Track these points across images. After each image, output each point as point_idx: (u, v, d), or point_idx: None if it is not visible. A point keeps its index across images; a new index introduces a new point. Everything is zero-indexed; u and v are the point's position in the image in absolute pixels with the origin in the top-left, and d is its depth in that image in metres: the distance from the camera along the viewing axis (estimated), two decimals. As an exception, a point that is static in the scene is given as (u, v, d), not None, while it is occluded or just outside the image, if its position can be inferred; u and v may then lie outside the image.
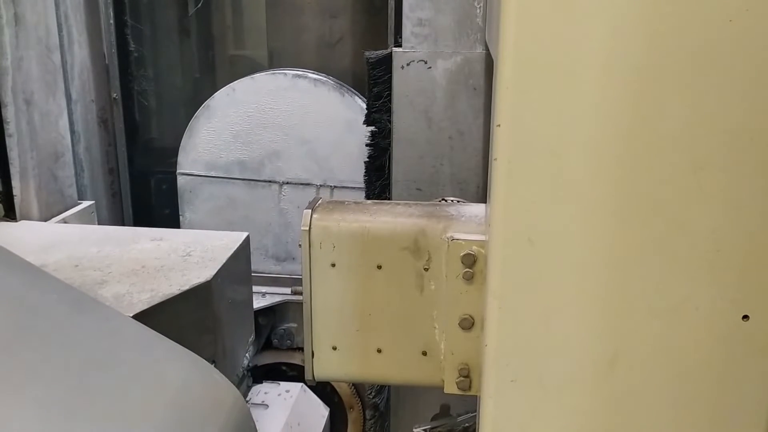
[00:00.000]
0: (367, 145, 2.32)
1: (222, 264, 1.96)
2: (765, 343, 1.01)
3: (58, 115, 2.55)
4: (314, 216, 1.59)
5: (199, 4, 2.96)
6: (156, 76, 3.14)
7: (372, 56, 2.21)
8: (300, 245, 1.58)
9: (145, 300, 1.74)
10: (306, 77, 2.91)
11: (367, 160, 2.31)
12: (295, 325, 3.02)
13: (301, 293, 1.61)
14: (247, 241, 2.17)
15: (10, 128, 2.31)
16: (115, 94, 3.04)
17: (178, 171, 3.05)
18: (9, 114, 2.29)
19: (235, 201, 3.03)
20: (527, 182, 1.01)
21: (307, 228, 1.58)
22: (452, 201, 1.91)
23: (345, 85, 2.91)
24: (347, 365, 1.62)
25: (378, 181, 2.32)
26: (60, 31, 2.58)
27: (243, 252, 2.14)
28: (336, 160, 2.90)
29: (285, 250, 3.07)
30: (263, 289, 3.00)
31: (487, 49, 1.88)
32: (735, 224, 0.97)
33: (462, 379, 1.47)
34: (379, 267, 1.55)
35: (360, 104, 2.80)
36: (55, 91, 2.50)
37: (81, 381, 0.90)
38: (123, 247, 2.08)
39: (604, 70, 0.95)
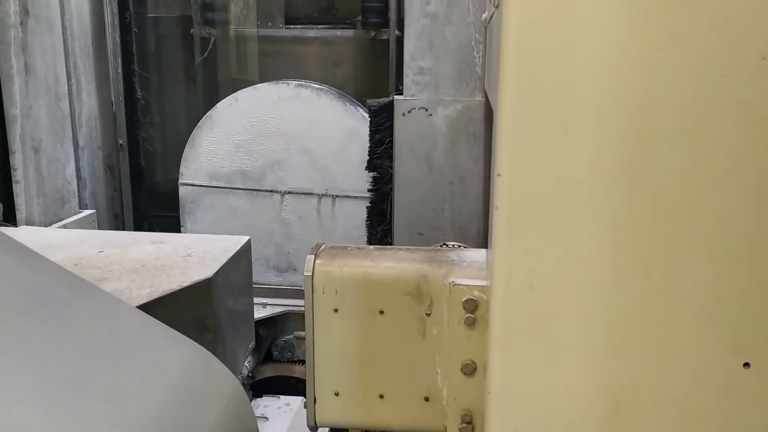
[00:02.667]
0: (369, 190, 2.35)
1: (223, 264, 1.94)
2: (766, 390, 1.02)
3: (65, 161, 2.59)
4: (317, 261, 1.60)
5: (205, 54, 3.03)
6: (162, 123, 3.20)
7: (374, 104, 2.25)
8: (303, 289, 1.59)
9: (144, 295, 1.72)
10: (308, 87, 2.92)
11: (369, 205, 2.33)
12: (295, 336, 2.97)
13: (303, 337, 1.61)
14: (248, 244, 2.15)
15: (18, 175, 2.34)
16: (122, 141, 3.09)
17: (180, 181, 3.04)
18: (17, 161, 2.33)
19: (236, 211, 3.02)
20: (527, 230, 1.02)
21: (310, 273, 1.59)
22: (453, 246, 1.93)
23: (347, 95, 2.92)
24: (349, 411, 1.61)
25: (380, 226, 2.34)
26: (69, 79, 2.64)
27: (244, 255, 2.12)
28: (338, 169, 2.89)
29: (286, 260, 3.04)
30: (264, 300, 2.97)
31: (486, 96, 1.92)
32: (734, 272, 0.99)
33: (464, 425, 1.46)
34: (382, 312, 1.55)
35: (362, 114, 2.80)
36: (62, 139, 2.55)
37: (79, 360, 0.90)
38: (123, 249, 2.06)
39: (601, 121, 0.98)
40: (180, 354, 1.06)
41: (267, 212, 2.99)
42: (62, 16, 2.57)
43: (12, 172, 2.34)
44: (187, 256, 1.99)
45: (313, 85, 2.92)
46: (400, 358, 1.53)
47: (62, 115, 2.53)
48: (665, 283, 1.00)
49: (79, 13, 2.74)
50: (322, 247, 1.65)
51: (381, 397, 1.56)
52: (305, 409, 1.61)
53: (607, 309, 1.02)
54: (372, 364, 1.56)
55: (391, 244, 2.39)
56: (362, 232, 2.71)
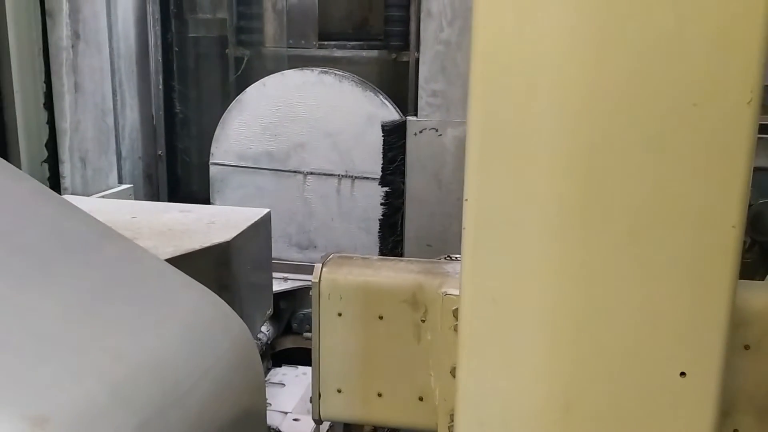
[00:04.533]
0: (381, 204, 2.49)
1: (242, 230, 2.03)
2: (701, 398, 1.14)
3: (109, 171, 2.82)
4: (324, 270, 1.74)
5: (238, 72, 3.22)
6: (198, 135, 3.41)
7: (387, 124, 2.41)
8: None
9: (168, 252, 1.83)
10: (331, 73, 3.03)
11: (381, 218, 2.47)
12: None
13: (311, 338, 1.76)
14: (268, 216, 2.24)
15: (66, 182, 2.57)
16: (161, 151, 3.30)
17: (210, 161, 3.18)
18: (65, 170, 2.56)
19: (262, 190, 3.14)
20: (490, 249, 1.17)
21: (318, 280, 1.73)
22: (457, 258, 2.06)
23: (367, 82, 3.01)
24: (350, 407, 1.73)
25: (391, 237, 2.48)
26: (114, 96, 2.88)
27: (264, 225, 2.21)
28: (357, 152, 2.97)
29: (307, 238, 3.13)
30: (285, 275, 3.07)
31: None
32: (670, 290, 1.12)
33: (453, 424, 1.59)
34: (381, 317, 1.67)
35: (381, 100, 2.90)
36: (107, 150, 2.78)
37: (102, 292, 0.98)
38: (154, 215, 2.20)
39: (554, 157, 1.12)
40: (192, 296, 1.16)
41: (290, 191, 3.11)
42: (110, 38, 2.81)
43: (60, 179, 2.57)
44: (211, 223, 2.11)
45: (335, 72, 3.04)
46: (397, 360, 1.66)
47: (107, 129, 2.76)
48: (608, 299, 1.13)
49: (125, 36, 2.97)
50: (330, 256, 1.80)
51: (379, 395, 1.69)
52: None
53: (558, 321, 1.16)
54: (371, 365, 1.69)
55: (402, 255, 2.53)
56: (379, 212, 2.83)
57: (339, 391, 1.72)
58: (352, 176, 2.98)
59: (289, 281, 3.04)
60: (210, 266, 1.92)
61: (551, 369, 1.18)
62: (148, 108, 3.22)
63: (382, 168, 2.51)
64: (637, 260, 1.12)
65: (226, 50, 3.12)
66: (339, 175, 3.02)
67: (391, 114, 2.85)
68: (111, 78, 2.81)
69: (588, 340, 1.16)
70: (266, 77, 3.11)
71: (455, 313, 1.55)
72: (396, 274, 1.71)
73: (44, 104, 2.58)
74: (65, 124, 2.55)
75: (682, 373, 1.13)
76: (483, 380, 1.22)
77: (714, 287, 1.11)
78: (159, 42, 3.19)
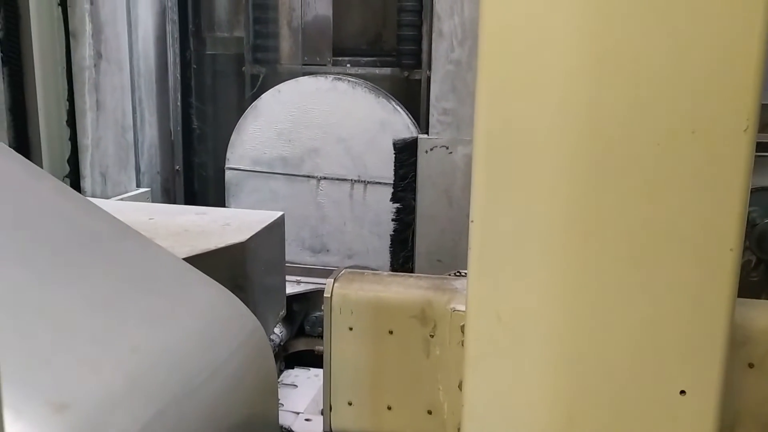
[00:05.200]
0: (392, 220, 2.53)
1: (257, 231, 2.06)
2: (700, 416, 1.17)
3: (128, 185, 2.90)
4: (336, 285, 1.79)
5: (254, 90, 3.30)
6: (214, 150, 3.49)
7: (399, 142, 2.46)
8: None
9: (184, 251, 1.84)
10: (345, 80, 3.09)
11: (393, 233, 2.51)
12: None
13: (322, 353, 1.81)
14: (282, 218, 2.28)
15: (86, 196, 2.65)
16: (178, 166, 3.37)
17: (226, 166, 3.23)
18: (86, 184, 2.64)
19: (276, 194, 3.18)
20: (495, 268, 1.22)
21: (330, 295, 1.77)
22: (465, 273, 2.10)
23: (380, 88, 3.07)
24: (361, 419, 1.77)
25: (402, 253, 2.53)
26: (134, 113, 2.96)
27: (277, 227, 2.24)
28: (370, 157, 3.01)
29: (320, 242, 3.17)
30: (298, 278, 3.10)
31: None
32: (671, 312, 1.15)
33: (460, 437, 1.63)
34: (391, 332, 1.72)
35: (393, 106, 2.95)
36: (126, 165, 2.86)
37: (121, 286, 1.02)
38: (170, 217, 2.24)
39: (557, 181, 1.16)
40: (208, 292, 1.19)
41: (304, 196, 3.15)
42: (130, 57, 2.90)
43: (82, 193, 2.65)
44: (226, 224, 2.15)
45: (349, 78, 3.10)
46: (407, 374, 1.70)
47: (127, 145, 2.84)
48: (610, 318, 1.17)
49: (145, 54, 3.07)
50: (342, 271, 1.85)
51: (389, 408, 1.73)
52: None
53: (561, 339, 1.19)
54: (381, 378, 1.73)
55: (412, 270, 2.57)
56: (390, 216, 2.87)
57: (350, 403, 1.75)
58: (364, 181, 3.02)
59: (302, 284, 3.08)
60: (224, 266, 1.96)
61: (554, 385, 1.22)
62: (166, 124, 3.30)
63: (393, 185, 2.56)
64: (638, 282, 1.16)
65: (243, 68, 3.20)
66: (352, 180, 3.05)
67: (403, 120, 2.91)
68: (131, 95, 2.89)
69: (590, 358, 1.19)
70: (281, 84, 3.18)
71: (463, 329, 1.60)
72: (406, 289, 1.75)
73: (67, 121, 2.67)
74: (87, 140, 2.64)
75: (682, 392, 1.16)
76: (488, 395, 1.26)
77: (713, 308, 1.14)
78: (178, 60, 3.28)
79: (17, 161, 1.19)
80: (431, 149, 2.40)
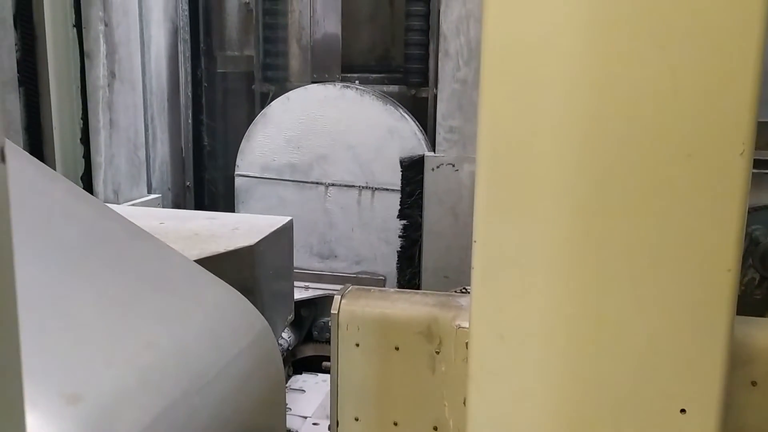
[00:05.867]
0: (399, 236, 2.56)
1: (265, 235, 2.09)
2: (701, 433, 1.19)
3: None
4: (343, 301, 1.81)
5: (265, 107, 3.35)
6: (224, 167, 3.54)
7: (406, 159, 2.50)
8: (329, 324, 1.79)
9: (194, 254, 1.87)
10: (353, 88, 3.13)
11: (399, 250, 2.54)
12: None
13: (329, 369, 1.83)
14: (290, 224, 2.31)
15: (99, 211, 2.69)
16: (189, 183, 3.42)
17: (236, 173, 3.27)
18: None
19: (285, 201, 3.22)
20: (497, 288, 1.24)
21: (336, 312, 1.80)
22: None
23: (388, 96, 3.12)
24: (367, 435, 1.80)
25: (409, 269, 2.56)
26: (146, 131, 3.02)
27: (286, 232, 2.27)
28: (377, 164, 3.05)
29: (328, 248, 3.19)
30: (307, 284, 3.15)
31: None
32: (670, 331, 1.18)
33: (465, 453, 1.64)
34: (397, 348, 1.74)
35: (401, 113, 3.00)
36: (138, 182, 2.91)
37: (133, 285, 1.05)
38: (181, 222, 2.28)
39: (555, 203, 1.19)
40: (217, 292, 1.22)
41: (312, 202, 3.18)
42: (143, 76, 2.96)
43: (95, 210, 2.69)
44: (235, 229, 2.18)
45: (357, 86, 3.15)
46: (413, 390, 1.72)
47: (139, 162, 2.90)
48: (610, 337, 1.19)
49: (157, 73, 3.13)
50: (349, 288, 1.88)
51: (395, 424, 1.75)
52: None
53: (562, 357, 1.22)
54: (388, 394, 1.75)
55: (419, 286, 2.60)
56: (398, 223, 2.91)
57: (356, 419, 1.78)
58: (372, 187, 3.05)
59: (311, 290, 3.12)
60: (234, 269, 1.98)
61: (556, 403, 1.24)
62: (177, 141, 3.36)
63: (400, 202, 2.60)
64: (638, 302, 1.18)
65: (252, 86, 3.25)
66: (359, 187, 3.08)
67: (411, 127, 2.94)
68: (143, 113, 2.95)
69: (591, 377, 1.21)
70: (290, 91, 3.22)
71: (468, 346, 1.62)
72: (411, 306, 1.78)
73: (81, 139, 2.72)
74: (100, 158, 2.69)
75: (683, 410, 1.18)
76: (491, 413, 1.28)
77: (712, 327, 1.16)
78: (189, 78, 3.34)
79: (33, 164, 1.23)
80: (438, 167, 2.43)
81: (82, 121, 2.69)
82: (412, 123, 2.95)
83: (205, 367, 0.99)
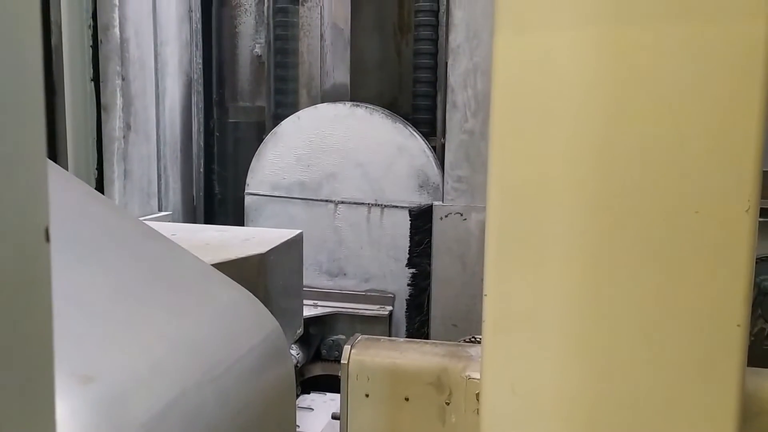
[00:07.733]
0: (408, 285, 2.57)
1: (276, 245, 2.11)
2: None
3: (151, 249, 2.98)
4: (352, 351, 1.82)
5: (276, 127, 3.39)
6: (235, 214, 3.58)
7: (414, 209, 2.53)
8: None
9: (206, 261, 1.91)
10: (362, 106, 3.17)
11: (408, 298, 2.55)
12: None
13: (339, 418, 1.83)
14: (300, 236, 2.33)
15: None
16: (199, 230, 3.46)
17: (246, 191, 3.30)
18: (112, 249, 2.72)
19: (294, 219, 3.24)
20: (508, 342, 1.26)
21: (346, 361, 1.81)
22: (480, 339, 2.13)
23: (397, 114, 3.16)
24: (378, 487, 1.78)
25: (418, 317, 2.56)
26: (159, 180, 3.07)
27: (296, 244, 2.29)
28: (387, 181, 3.08)
29: (338, 266, 3.19)
30: (315, 301, 3.14)
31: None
32: (682, 384, 1.18)
33: (476, 507, 1.62)
34: (407, 399, 1.74)
35: (410, 131, 3.04)
36: (150, 230, 2.94)
37: (146, 279, 1.06)
38: (193, 233, 2.31)
39: (567, 256, 1.22)
40: (229, 290, 1.23)
41: (321, 220, 3.20)
42: (157, 127, 3.03)
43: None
44: (246, 240, 2.21)
45: (366, 105, 3.19)
46: (423, 442, 1.72)
47: (151, 211, 2.94)
48: (622, 394, 1.20)
49: (171, 124, 3.20)
50: (359, 338, 1.89)
51: (406, 476, 1.74)
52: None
53: (574, 412, 1.22)
54: (398, 446, 1.75)
55: (428, 335, 2.60)
56: (407, 241, 2.93)
57: (367, 471, 1.77)
58: (381, 205, 3.06)
59: (319, 307, 3.12)
60: (244, 276, 2.00)
61: (569, 458, 1.24)
62: (189, 190, 3.41)
63: (409, 250, 2.62)
64: (649, 357, 1.19)
65: (263, 135, 3.32)
66: (369, 204, 3.10)
67: (420, 145, 2.98)
68: (156, 164, 3.01)
69: (603, 431, 1.21)
70: (301, 110, 3.27)
71: (478, 397, 1.62)
72: (421, 356, 1.78)
73: (95, 189, 2.77)
74: (113, 207, 2.73)
75: (697, 452, 1.18)
76: (504, 467, 1.28)
77: (723, 381, 1.17)
78: (202, 128, 3.41)
79: (50, 166, 1.26)
80: (446, 216, 2.46)
81: (96, 172, 2.74)
82: (421, 141, 3.00)
83: (216, 361, 1.01)
